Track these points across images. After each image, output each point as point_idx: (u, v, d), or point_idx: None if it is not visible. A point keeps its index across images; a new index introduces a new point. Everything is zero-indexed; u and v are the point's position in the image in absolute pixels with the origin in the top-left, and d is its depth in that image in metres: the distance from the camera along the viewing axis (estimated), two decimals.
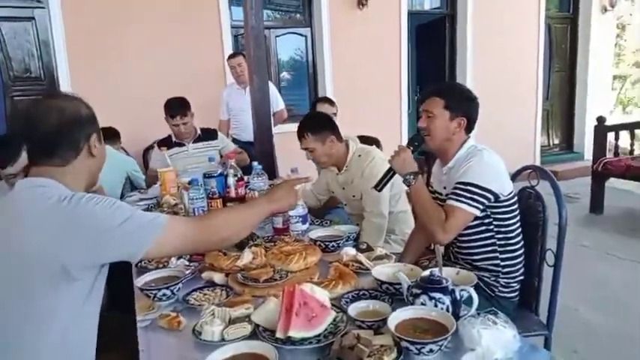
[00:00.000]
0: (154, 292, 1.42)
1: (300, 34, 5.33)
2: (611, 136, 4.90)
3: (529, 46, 6.46)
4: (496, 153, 1.80)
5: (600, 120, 4.78)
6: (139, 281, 1.49)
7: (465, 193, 1.69)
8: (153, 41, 4.42)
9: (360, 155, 2.36)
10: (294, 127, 4.56)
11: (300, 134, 2.30)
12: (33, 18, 4.15)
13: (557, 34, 6.92)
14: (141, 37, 4.37)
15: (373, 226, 2.22)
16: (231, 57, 4.14)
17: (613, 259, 3.56)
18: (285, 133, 4.02)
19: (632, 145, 5.09)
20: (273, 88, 4.35)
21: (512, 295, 1.85)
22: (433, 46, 6.46)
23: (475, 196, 1.69)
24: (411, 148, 1.83)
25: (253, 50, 3.11)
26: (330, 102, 3.25)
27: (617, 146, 4.92)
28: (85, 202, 1.03)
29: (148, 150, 4.16)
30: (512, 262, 1.82)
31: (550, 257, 1.82)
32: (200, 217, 1.24)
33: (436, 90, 1.86)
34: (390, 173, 1.84)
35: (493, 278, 1.81)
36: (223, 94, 4.28)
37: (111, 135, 3.47)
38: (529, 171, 2.07)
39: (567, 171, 6.24)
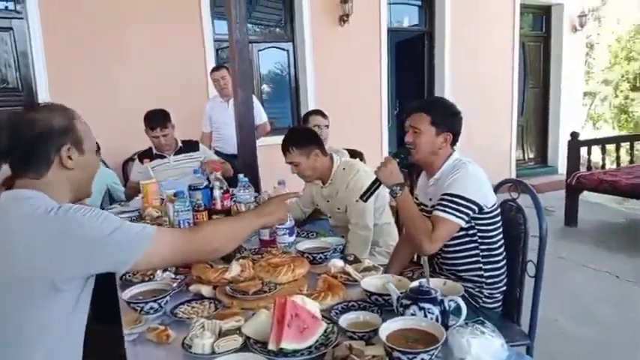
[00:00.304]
0: (141, 305, 1.41)
1: (282, 49, 5.38)
2: (583, 150, 5.08)
3: (504, 63, 6.66)
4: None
5: (574, 135, 4.94)
6: (126, 294, 1.47)
7: (451, 204, 1.73)
8: (134, 53, 4.39)
9: (344, 168, 2.38)
10: (276, 139, 4.57)
11: (285, 148, 2.31)
12: (11, 28, 4.08)
13: (530, 52, 7.16)
14: (122, 49, 4.34)
15: (359, 238, 2.24)
16: (214, 70, 4.15)
17: (589, 271, 3.66)
18: (268, 146, 4.03)
19: (603, 159, 5.27)
20: (256, 102, 4.36)
21: (496, 305, 1.89)
22: (412, 62, 6.60)
23: (461, 207, 1.73)
24: (397, 160, 1.86)
25: (238, 64, 3.13)
26: (322, 114, 3.27)
27: (589, 160, 5.09)
28: (73, 213, 1.02)
29: (127, 162, 4.11)
30: (496, 272, 1.86)
31: (531, 268, 1.86)
32: (189, 228, 1.23)
33: (422, 106, 1.90)
34: (376, 184, 1.87)
35: (477, 289, 1.85)
36: (206, 107, 4.27)
37: None
38: (509, 184, 2.14)
39: (542, 184, 6.40)
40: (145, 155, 3.17)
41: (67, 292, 1.04)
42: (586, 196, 5.11)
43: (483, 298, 1.85)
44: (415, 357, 1.08)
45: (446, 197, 1.75)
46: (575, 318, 2.86)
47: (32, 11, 4.02)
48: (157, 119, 3.11)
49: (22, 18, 4.09)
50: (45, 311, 1.02)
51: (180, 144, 3.28)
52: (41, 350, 1.03)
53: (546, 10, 7.14)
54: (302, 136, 2.36)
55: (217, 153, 3.95)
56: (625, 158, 5.73)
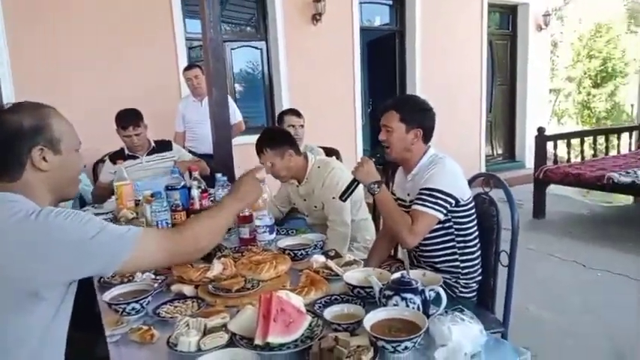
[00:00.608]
0: (122, 306, 1.39)
1: (255, 47, 5.36)
2: (550, 145, 5.26)
3: (473, 61, 6.82)
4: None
5: (540, 131, 5.11)
6: (106, 296, 1.45)
7: (429, 198, 1.78)
8: (103, 52, 4.29)
9: (319, 167, 2.41)
10: (251, 138, 4.55)
11: (259, 149, 2.32)
12: None
13: (498, 50, 7.36)
14: (92, 48, 4.24)
15: (338, 234, 2.27)
16: (187, 69, 4.11)
17: (556, 261, 3.81)
18: (242, 145, 4.01)
19: (568, 153, 5.47)
20: (230, 101, 4.34)
21: (471, 295, 1.96)
22: (384, 60, 6.69)
23: (439, 201, 1.78)
24: (374, 159, 1.90)
25: (212, 63, 3.11)
26: (297, 114, 3.28)
27: (555, 155, 5.27)
28: (54, 216, 0.98)
29: (97, 164, 4.02)
30: (471, 263, 1.92)
31: (504, 258, 1.93)
32: (174, 228, 1.18)
33: (392, 104, 1.95)
34: (354, 184, 1.91)
35: (454, 280, 1.91)
36: (179, 106, 4.22)
37: None
38: (481, 178, 2.22)
39: (510, 179, 6.56)
40: (117, 156, 3.11)
41: (48, 299, 1.01)
42: (552, 189, 5.29)
43: (460, 288, 1.91)
44: (399, 345, 1.11)
45: (424, 192, 1.80)
46: (545, 305, 2.97)
47: None
48: (128, 118, 3.05)
49: None
50: (24, 320, 0.99)
51: (152, 144, 3.23)
52: (23, 355, 1.01)
53: (512, 10, 7.35)
54: (275, 137, 2.37)
55: (191, 152, 3.92)
56: (588, 152, 5.97)
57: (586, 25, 12.01)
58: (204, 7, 3.07)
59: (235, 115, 4.20)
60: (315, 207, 2.43)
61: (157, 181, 2.72)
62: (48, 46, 4.07)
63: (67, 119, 1.18)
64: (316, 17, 5.34)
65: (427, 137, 1.94)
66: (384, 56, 6.68)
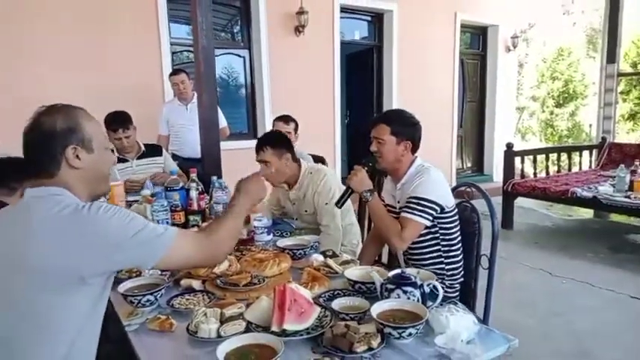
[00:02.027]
0: (138, 298, 1.46)
1: (239, 55, 5.45)
2: (517, 160, 5.55)
3: (446, 78, 7.13)
4: None
5: (509, 146, 5.39)
6: (121, 288, 1.51)
7: (417, 207, 1.92)
8: (88, 57, 4.28)
9: (311, 173, 2.52)
10: (234, 144, 4.61)
11: (260, 146, 2.40)
12: None
13: (469, 68, 7.71)
14: (76, 51, 4.23)
15: (330, 238, 2.38)
16: (173, 74, 4.15)
17: (525, 269, 4.04)
18: (226, 150, 4.08)
19: (535, 168, 5.78)
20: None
21: (455, 295, 2.10)
22: (362, 74, 6.90)
23: (425, 209, 1.93)
24: (366, 168, 2.03)
25: (204, 69, 3.18)
26: (285, 120, 3.36)
27: (522, 169, 5.57)
28: (104, 211, 1.07)
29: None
30: (455, 265, 2.07)
31: (484, 262, 2.09)
32: (204, 233, 1.25)
33: (383, 118, 2.10)
34: (348, 192, 2.03)
35: (439, 280, 2.01)
36: (163, 109, 4.25)
37: None
38: (464, 187, 2.38)
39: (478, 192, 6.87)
40: None
41: (93, 285, 1.08)
42: (519, 201, 5.57)
43: (445, 288, 2.03)
44: (404, 331, 1.24)
45: (412, 200, 1.95)
46: (517, 310, 3.17)
47: None
48: (118, 121, 3.07)
49: None
50: (69, 303, 1.06)
51: (143, 148, 3.26)
52: (65, 340, 1.07)
53: (483, 31, 7.72)
54: (277, 139, 2.47)
55: (174, 157, 3.95)
56: (552, 168, 6.32)
57: (549, 48, 12.67)
58: (197, 14, 3.14)
59: (221, 120, 4.26)
60: (306, 211, 2.53)
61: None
62: (29, 46, 4.04)
63: (96, 120, 1.26)
64: (299, 29, 5.48)
65: (415, 149, 2.10)
66: (362, 70, 6.89)
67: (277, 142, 2.42)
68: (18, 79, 4.00)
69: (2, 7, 3.92)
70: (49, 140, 1.13)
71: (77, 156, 1.15)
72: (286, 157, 2.43)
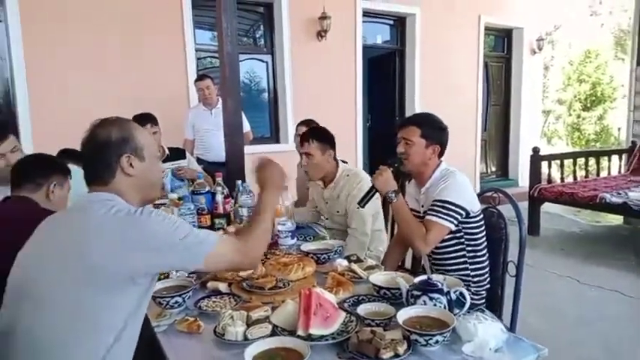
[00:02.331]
0: (167, 299, 1.49)
1: (262, 60, 5.50)
2: (543, 164, 5.44)
3: (469, 81, 7.04)
4: None
5: (536, 150, 5.29)
6: None
7: (441, 210, 1.90)
8: (116, 62, 4.39)
9: (348, 175, 2.53)
10: (254, 148, 4.66)
11: (306, 138, 2.48)
12: None
13: (493, 71, 7.60)
14: (104, 57, 4.34)
15: (357, 242, 2.39)
16: (198, 80, 4.22)
17: (552, 276, 3.96)
18: (249, 155, 4.12)
19: (562, 173, 5.66)
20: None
21: (481, 302, 2.06)
22: (383, 78, 6.88)
23: (451, 212, 1.90)
24: (391, 168, 2.02)
25: (228, 74, 3.22)
26: (307, 124, 3.34)
27: (549, 174, 5.46)
28: (155, 216, 1.15)
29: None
30: (480, 272, 2.04)
31: (511, 269, 2.06)
32: (242, 239, 1.30)
33: (414, 120, 2.09)
34: (372, 191, 2.03)
35: (465, 287, 2.02)
36: (189, 114, 4.33)
37: (77, 155, 3.42)
38: (490, 193, 2.35)
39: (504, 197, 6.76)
40: None
41: (139, 285, 1.15)
42: (545, 207, 5.46)
43: (471, 295, 2.01)
44: (431, 338, 1.23)
45: (437, 203, 1.93)
46: (544, 317, 3.10)
47: (13, 16, 3.98)
48: (145, 118, 3.16)
49: (0, 21, 4.03)
50: (118, 302, 1.12)
51: (167, 152, 3.32)
52: (111, 336, 1.12)
53: (508, 33, 7.61)
54: (324, 134, 2.54)
55: (199, 160, 4.02)
56: (579, 173, 6.17)
57: (576, 50, 12.41)
58: (222, 20, 3.19)
59: (244, 125, 4.31)
60: (338, 212, 2.54)
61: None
62: (61, 53, 4.16)
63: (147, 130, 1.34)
64: (321, 34, 5.50)
65: (442, 153, 2.08)
66: (384, 73, 6.87)
67: (324, 137, 2.49)
68: (49, 83, 4.12)
69: (37, 10, 4.05)
70: (104, 150, 1.22)
71: (131, 164, 1.23)
72: (329, 154, 2.50)
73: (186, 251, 1.15)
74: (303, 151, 2.47)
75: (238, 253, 1.25)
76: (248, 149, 4.30)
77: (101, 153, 1.22)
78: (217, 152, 3.92)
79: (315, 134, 2.50)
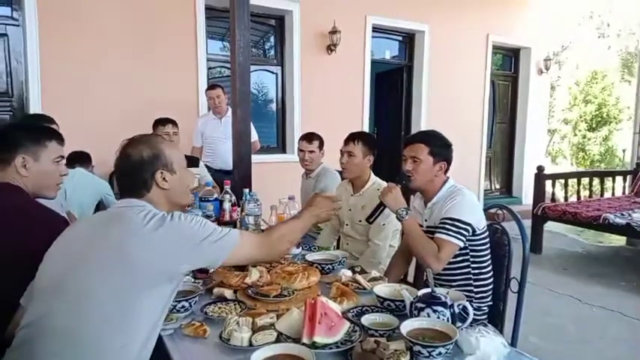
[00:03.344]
0: (173, 304, 1.51)
1: (271, 72, 5.58)
2: (547, 183, 5.46)
3: (476, 99, 7.09)
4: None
5: (540, 169, 5.31)
6: None
7: (452, 228, 1.92)
8: (129, 69, 4.47)
9: (378, 189, 2.51)
10: (263, 157, 4.69)
11: (352, 138, 2.57)
12: (6, 35, 4.11)
13: (500, 89, 7.66)
14: (117, 63, 4.42)
15: (375, 257, 2.44)
16: (210, 89, 4.30)
17: (554, 295, 3.95)
18: (255, 164, 4.17)
19: (566, 192, 5.67)
20: None
21: (483, 317, 2.08)
22: (391, 93, 6.94)
23: (460, 230, 1.92)
24: (399, 185, 2.05)
25: (239, 85, 3.27)
26: (309, 139, 3.33)
27: (553, 193, 5.47)
28: (184, 218, 1.25)
29: (113, 175, 4.15)
30: (484, 288, 2.06)
31: (514, 285, 2.07)
32: (265, 232, 1.46)
33: (421, 137, 2.12)
34: (381, 207, 2.06)
35: (467, 301, 2.04)
36: (198, 122, 4.39)
37: (84, 158, 3.48)
38: (495, 209, 2.38)
39: (508, 214, 6.76)
40: None
41: (174, 282, 1.25)
42: (548, 226, 5.46)
43: (473, 310, 2.03)
44: (434, 350, 1.25)
45: (447, 221, 1.94)
46: (545, 336, 3.10)
47: (30, 20, 4.06)
48: (167, 119, 3.34)
49: (18, 25, 4.12)
50: (153, 298, 1.20)
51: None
52: (144, 331, 1.19)
53: (515, 53, 7.68)
54: (370, 139, 2.65)
55: (207, 167, 4.07)
56: (583, 193, 6.19)
57: (582, 72, 12.48)
58: (236, 33, 3.25)
59: (252, 134, 4.37)
60: (360, 221, 2.56)
61: None
62: (76, 59, 4.24)
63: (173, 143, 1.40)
64: (331, 47, 5.58)
65: (448, 169, 2.11)
66: (391, 88, 6.94)
67: (369, 141, 2.60)
68: (62, 88, 4.19)
69: (54, 17, 4.14)
70: (139, 169, 1.32)
71: (164, 178, 1.34)
72: (369, 159, 2.59)
73: (212, 247, 1.24)
74: (347, 150, 2.56)
75: (258, 247, 1.36)
76: (254, 158, 4.37)
77: (137, 172, 1.32)
78: (225, 160, 3.97)
79: (362, 136, 2.60)
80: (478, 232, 1.99)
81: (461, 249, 1.98)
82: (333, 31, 5.46)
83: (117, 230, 1.21)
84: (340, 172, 2.90)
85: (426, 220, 2.11)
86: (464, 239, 1.92)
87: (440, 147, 2.07)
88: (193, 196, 2.05)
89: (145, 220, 1.20)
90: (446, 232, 1.91)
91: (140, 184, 1.32)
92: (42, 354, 1.13)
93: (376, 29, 6.10)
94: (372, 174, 2.66)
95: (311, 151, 3.30)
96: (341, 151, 2.62)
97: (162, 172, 1.33)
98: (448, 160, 2.08)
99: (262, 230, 2.13)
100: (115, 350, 1.14)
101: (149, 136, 1.39)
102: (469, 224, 1.92)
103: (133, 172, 1.32)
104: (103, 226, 1.26)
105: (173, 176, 1.36)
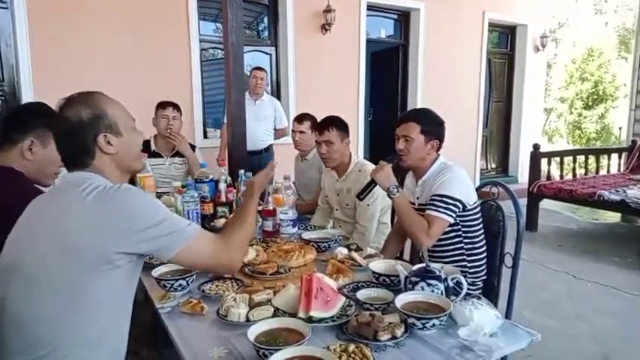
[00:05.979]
0: (171, 282, 1.53)
1: (265, 52, 5.52)
2: (543, 161, 5.47)
3: (472, 77, 7.06)
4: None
5: (536, 147, 5.32)
6: (155, 272, 1.58)
7: (441, 204, 1.94)
8: (120, 50, 4.41)
9: (360, 170, 2.55)
10: None
11: (326, 126, 2.53)
12: None
13: (496, 67, 7.61)
14: (109, 46, 4.36)
15: (363, 238, 2.44)
16: (257, 69, 4.45)
17: (548, 271, 4.00)
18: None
19: (561, 170, 5.69)
20: (278, 106, 4.68)
21: (477, 292, 2.11)
22: (386, 72, 6.90)
23: (449, 206, 1.94)
24: (391, 164, 2.06)
25: (232, 66, 3.24)
26: (299, 120, 3.28)
27: (549, 171, 5.49)
28: (132, 195, 1.10)
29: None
30: (477, 263, 2.08)
31: (508, 260, 2.09)
32: (223, 241, 1.21)
33: (412, 116, 2.12)
34: (372, 185, 2.06)
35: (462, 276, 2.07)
36: None
37: None
38: (490, 186, 2.39)
39: (504, 192, 6.79)
40: (143, 149, 3.20)
41: (120, 267, 1.09)
42: (544, 203, 5.50)
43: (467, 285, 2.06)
44: (428, 322, 1.27)
45: (436, 198, 1.96)
46: (539, 311, 3.15)
47: (19, 2, 3.99)
48: (169, 102, 3.25)
49: (6, 7, 4.05)
50: (102, 283, 1.08)
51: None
52: (100, 318, 1.11)
53: (511, 30, 7.62)
54: (342, 123, 2.61)
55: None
56: (579, 170, 6.21)
57: (579, 49, 12.40)
58: (228, 12, 3.21)
59: (282, 120, 4.59)
60: (347, 205, 2.58)
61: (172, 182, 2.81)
62: (67, 41, 4.18)
63: (116, 100, 1.27)
64: (325, 27, 5.52)
65: (439, 148, 2.12)
66: (386, 67, 6.89)
67: (342, 125, 2.57)
68: (53, 71, 4.14)
69: (44, 4, 4.06)
70: (78, 132, 1.16)
71: (109, 142, 1.18)
72: (346, 142, 2.58)
73: (162, 236, 1.09)
74: (323, 140, 2.51)
75: (214, 254, 1.19)
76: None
77: (74, 136, 1.15)
78: (253, 140, 3.97)
79: (334, 122, 2.56)
80: (469, 207, 2.01)
81: (452, 224, 2.00)
82: (328, 10, 5.39)
83: (54, 207, 1.11)
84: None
85: (417, 198, 2.12)
86: (454, 215, 1.94)
87: (431, 125, 2.07)
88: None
89: (83, 194, 1.07)
90: (435, 208, 1.93)
91: (82, 152, 1.16)
92: (6, 337, 1.10)
93: (371, 7, 6.02)
94: (353, 154, 2.65)
95: (301, 132, 3.24)
96: (317, 142, 2.57)
97: (105, 135, 1.17)
98: (440, 138, 2.09)
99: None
100: (80, 340, 1.08)
101: (89, 94, 1.21)
102: (458, 200, 1.94)
103: (72, 138, 1.15)
104: (46, 204, 1.16)
105: (119, 139, 1.19)
